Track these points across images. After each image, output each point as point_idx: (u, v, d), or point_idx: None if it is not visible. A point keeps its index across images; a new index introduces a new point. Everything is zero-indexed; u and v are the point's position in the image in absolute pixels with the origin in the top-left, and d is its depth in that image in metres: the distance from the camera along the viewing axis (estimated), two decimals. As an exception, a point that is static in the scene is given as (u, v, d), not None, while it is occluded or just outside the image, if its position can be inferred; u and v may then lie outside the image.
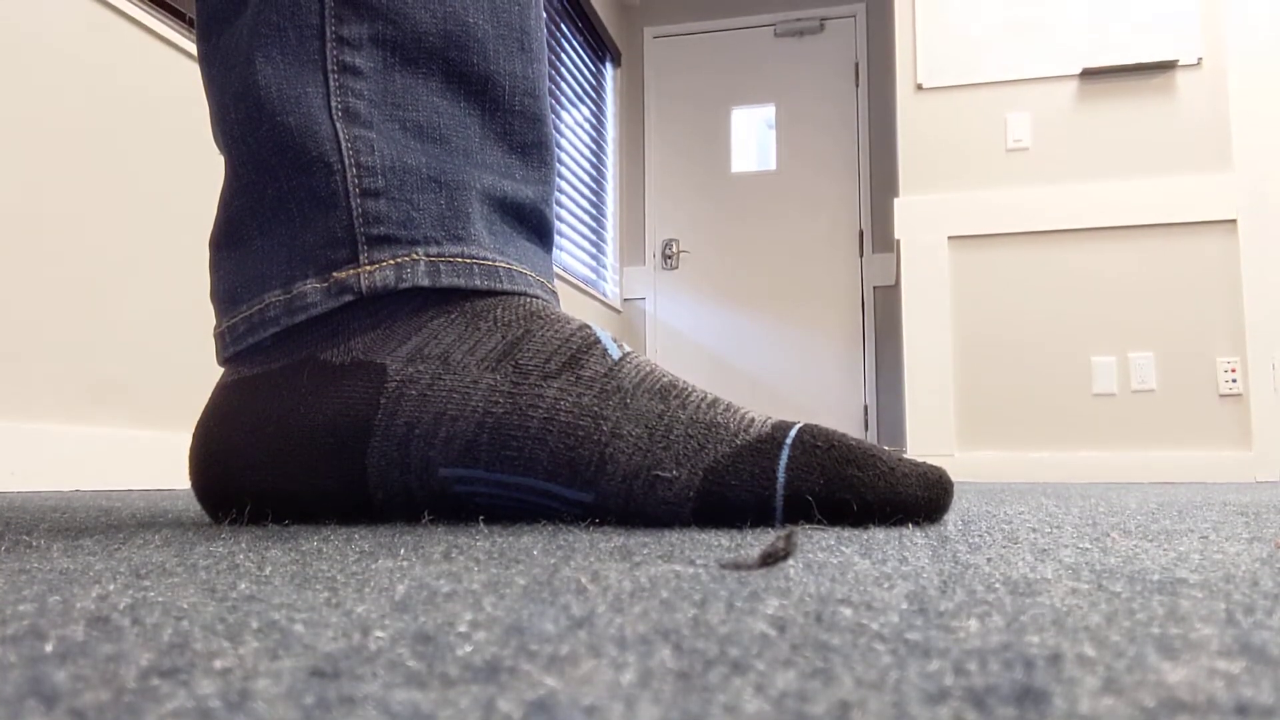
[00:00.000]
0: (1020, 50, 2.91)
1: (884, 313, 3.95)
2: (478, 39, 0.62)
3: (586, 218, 3.89)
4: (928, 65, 2.95)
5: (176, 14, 1.83)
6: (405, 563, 0.34)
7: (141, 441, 1.68)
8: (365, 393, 0.57)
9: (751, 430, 0.53)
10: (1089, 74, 2.86)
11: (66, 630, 0.20)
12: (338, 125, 0.59)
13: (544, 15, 0.66)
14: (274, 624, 0.21)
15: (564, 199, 3.64)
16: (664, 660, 0.17)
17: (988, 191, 2.89)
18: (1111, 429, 2.76)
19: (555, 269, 0.59)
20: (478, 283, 0.59)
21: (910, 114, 2.96)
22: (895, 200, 2.96)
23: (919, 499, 0.53)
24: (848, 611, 0.23)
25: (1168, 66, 2.81)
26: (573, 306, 3.56)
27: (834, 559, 0.34)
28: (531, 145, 0.65)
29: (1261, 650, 0.18)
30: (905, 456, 0.54)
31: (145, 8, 1.75)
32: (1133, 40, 2.84)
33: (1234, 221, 2.74)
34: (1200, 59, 2.80)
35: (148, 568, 0.33)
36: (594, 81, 4.03)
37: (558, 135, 3.57)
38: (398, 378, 0.57)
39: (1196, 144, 2.79)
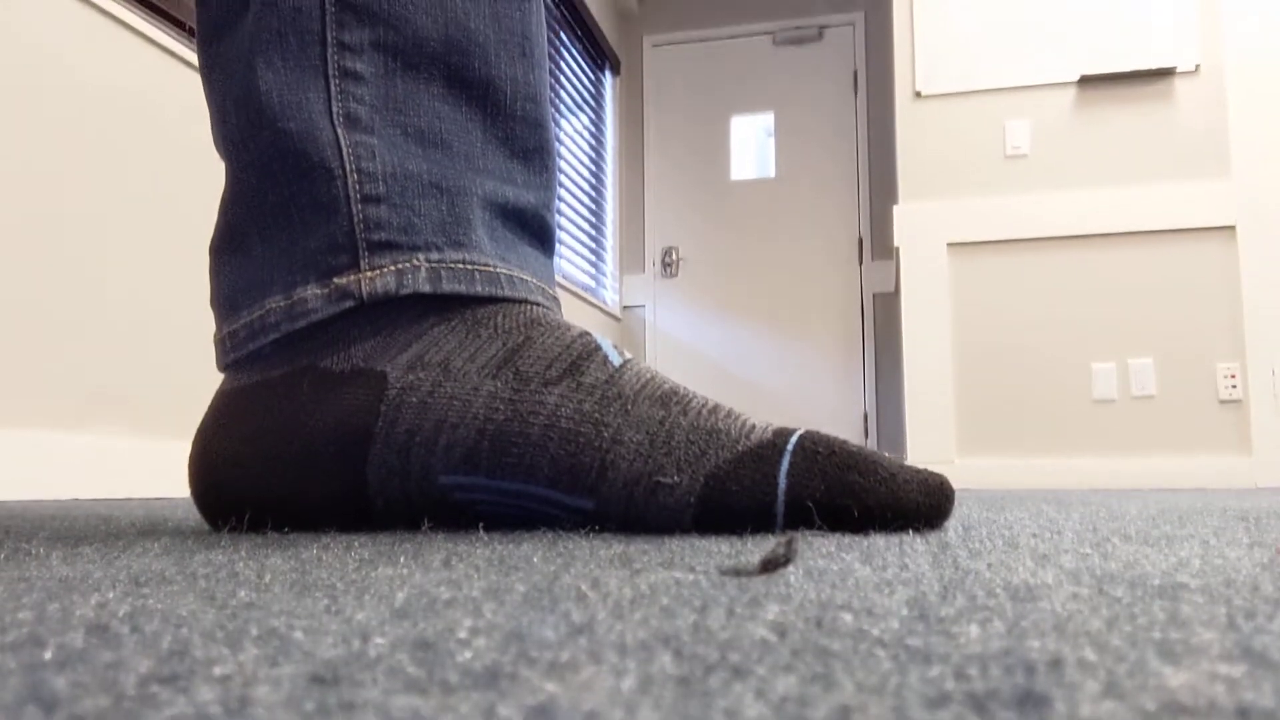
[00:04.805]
0: (1019, 57, 2.91)
1: (884, 320, 3.95)
2: (479, 44, 0.62)
3: (586, 225, 3.89)
4: (926, 72, 2.96)
5: (176, 23, 1.84)
6: (405, 570, 0.34)
7: (141, 450, 1.68)
8: (365, 400, 0.57)
9: (753, 437, 0.53)
10: (1087, 81, 2.86)
11: (66, 637, 0.20)
12: (339, 131, 0.59)
13: (545, 20, 0.67)
14: (273, 631, 0.21)
15: (563, 207, 3.65)
16: (664, 666, 0.17)
17: (987, 198, 2.89)
18: (1111, 435, 2.76)
19: (555, 276, 0.59)
20: (479, 289, 0.59)
21: (909, 121, 2.97)
22: (894, 207, 2.96)
23: (920, 505, 0.52)
24: (848, 617, 0.23)
25: (1166, 73, 2.82)
26: (572, 314, 3.56)
27: (834, 565, 0.34)
28: (533, 151, 0.65)
29: (1262, 655, 0.18)
30: (906, 463, 0.54)
31: (145, 16, 1.75)
32: (1131, 47, 2.84)
33: (1233, 228, 2.74)
34: (1198, 65, 2.81)
35: (147, 575, 0.33)
36: (593, 90, 4.04)
37: (557, 144, 3.58)
38: (398, 385, 0.57)
39: (1195, 150, 2.79)
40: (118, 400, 1.65)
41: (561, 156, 3.64)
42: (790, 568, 0.33)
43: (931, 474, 0.54)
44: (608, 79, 4.21)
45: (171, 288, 1.78)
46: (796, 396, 4.01)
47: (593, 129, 4.01)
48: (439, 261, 0.59)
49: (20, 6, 1.50)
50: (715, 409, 0.55)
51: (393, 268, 0.58)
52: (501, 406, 0.55)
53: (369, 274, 0.58)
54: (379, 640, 0.20)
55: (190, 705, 0.14)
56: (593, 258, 3.96)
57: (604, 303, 3.98)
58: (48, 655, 0.18)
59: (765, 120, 4.21)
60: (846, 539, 0.47)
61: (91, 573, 0.34)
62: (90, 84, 1.62)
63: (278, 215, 0.60)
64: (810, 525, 0.51)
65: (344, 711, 0.14)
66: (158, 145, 1.76)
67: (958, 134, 2.93)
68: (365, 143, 0.59)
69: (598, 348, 0.58)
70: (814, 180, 4.10)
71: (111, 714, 0.14)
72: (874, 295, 3.99)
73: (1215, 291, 2.75)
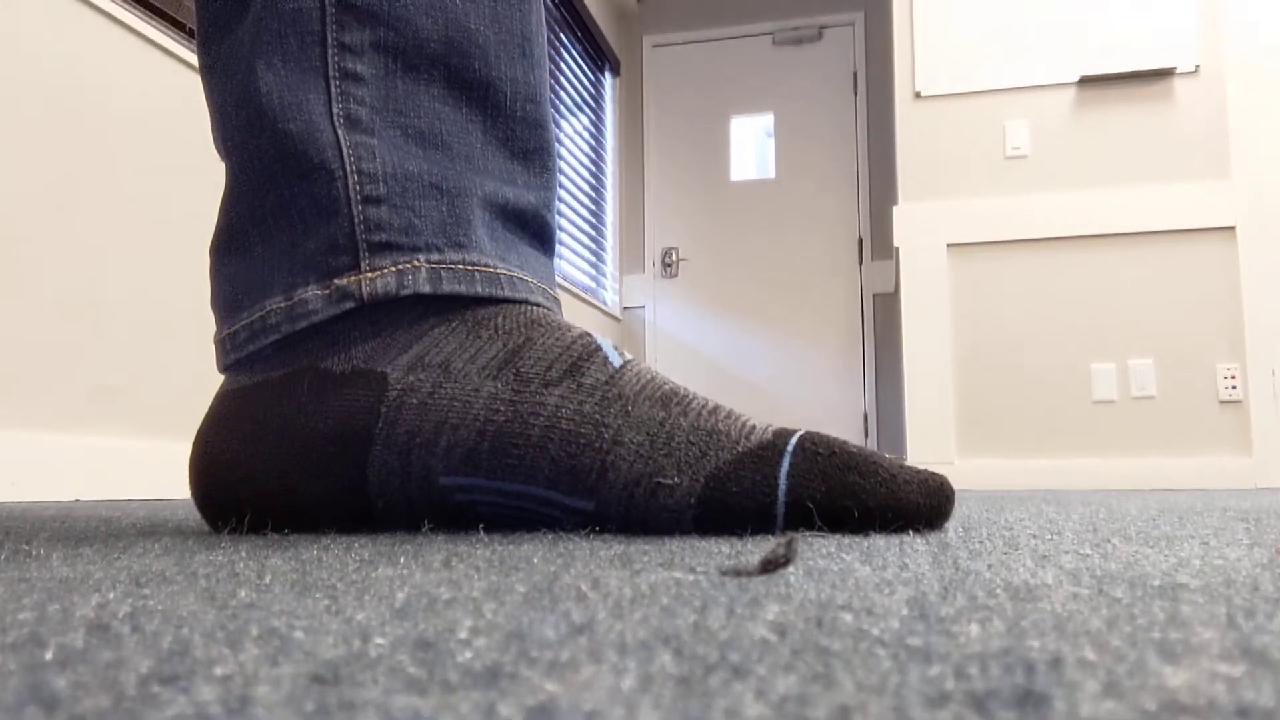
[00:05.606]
0: (1018, 58, 2.91)
1: (883, 320, 3.95)
2: (479, 45, 0.62)
3: (586, 226, 3.89)
4: (926, 73, 2.96)
5: (176, 24, 1.84)
6: (405, 570, 0.34)
7: (142, 451, 1.68)
8: (366, 401, 0.57)
9: (753, 438, 0.53)
10: (1087, 81, 2.86)
11: (66, 637, 0.20)
12: (339, 132, 0.59)
13: (545, 21, 0.67)
14: (274, 631, 0.21)
15: (564, 208, 3.65)
16: (664, 665, 0.17)
17: (986, 199, 2.89)
18: (1111, 436, 2.76)
19: (555, 277, 0.59)
20: (479, 290, 0.59)
21: (909, 122, 2.97)
22: (894, 208, 2.96)
23: (920, 506, 0.52)
24: (848, 617, 0.23)
25: (1165, 74, 2.82)
26: (572, 315, 3.56)
27: (835, 565, 0.34)
28: (533, 151, 0.65)
29: (1262, 654, 0.18)
30: (906, 464, 0.54)
31: (144, 17, 1.75)
32: (1130, 48, 2.84)
33: (1233, 228, 2.74)
34: (1198, 66, 2.81)
35: (147, 576, 0.33)
36: (593, 91, 4.04)
37: (557, 144, 3.57)
38: (399, 386, 0.57)
39: (1195, 151, 2.79)
40: (118, 401, 1.65)
41: (561, 157, 3.64)
42: (790, 568, 0.33)
43: (932, 475, 0.54)
44: (608, 79, 4.21)
45: (172, 289, 1.78)
46: (796, 397, 4.01)
47: (593, 129, 4.01)
48: (439, 262, 0.59)
49: (21, 8, 1.50)
50: (715, 410, 0.55)
51: (393, 269, 0.58)
52: (502, 408, 0.55)
53: (369, 275, 0.58)
54: (379, 640, 0.20)
55: (191, 705, 0.14)
56: (593, 258, 3.96)
57: (604, 303, 3.98)
58: (48, 655, 0.18)
59: (765, 121, 4.21)
60: (847, 540, 0.47)
61: (92, 573, 0.34)
62: (90, 85, 1.62)
63: (278, 216, 0.61)
64: (810, 526, 0.51)
65: (344, 711, 0.14)
66: (158, 146, 1.76)
67: (957, 135, 2.93)
68: (365, 143, 0.59)
69: (598, 348, 0.58)
70: (814, 181, 4.10)
71: (112, 714, 0.14)
72: (874, 295, 3.99)
73: (1215, 292, 2.75)
